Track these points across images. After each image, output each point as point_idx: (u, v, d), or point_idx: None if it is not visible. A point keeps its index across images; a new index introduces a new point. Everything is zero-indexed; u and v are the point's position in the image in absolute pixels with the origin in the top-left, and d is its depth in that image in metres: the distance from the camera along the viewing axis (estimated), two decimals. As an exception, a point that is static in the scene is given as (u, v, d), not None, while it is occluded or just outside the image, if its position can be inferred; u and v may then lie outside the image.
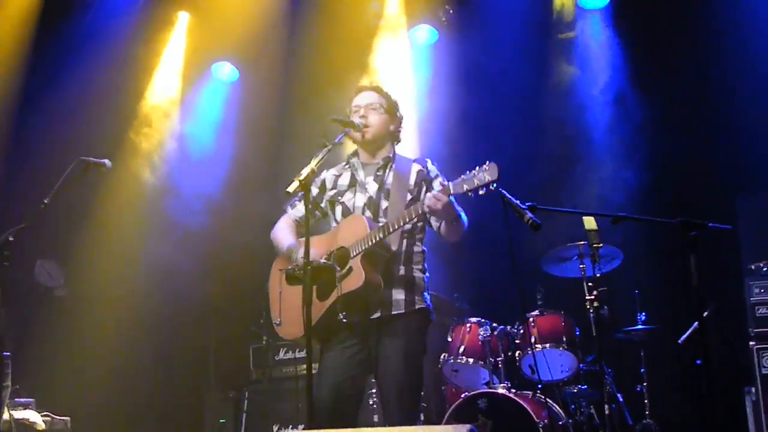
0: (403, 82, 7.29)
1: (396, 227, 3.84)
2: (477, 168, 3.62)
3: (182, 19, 7.83)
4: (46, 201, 4.16)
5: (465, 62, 7.11)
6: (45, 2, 7.19)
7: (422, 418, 5.83)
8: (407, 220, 3.84)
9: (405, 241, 4.05)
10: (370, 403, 6.14)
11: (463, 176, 3.66)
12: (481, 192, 3.59)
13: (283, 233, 4.28)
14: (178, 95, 7.85)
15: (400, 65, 7.40)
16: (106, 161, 4.41)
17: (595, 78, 6.96)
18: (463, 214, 3.96)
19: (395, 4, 7.52)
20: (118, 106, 7.43)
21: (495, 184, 3.55)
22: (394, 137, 4.26)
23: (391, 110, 4.22)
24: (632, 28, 6.94)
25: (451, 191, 3.70)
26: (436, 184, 4.07)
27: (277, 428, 6.75)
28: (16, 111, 7.03)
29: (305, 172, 3.63)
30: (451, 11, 7.44)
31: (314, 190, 4.22)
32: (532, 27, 7.12)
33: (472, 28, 7.26)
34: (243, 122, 7.80)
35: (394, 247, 3.97)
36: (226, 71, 7.93)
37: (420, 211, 3.79)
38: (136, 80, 7.64)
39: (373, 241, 3.85)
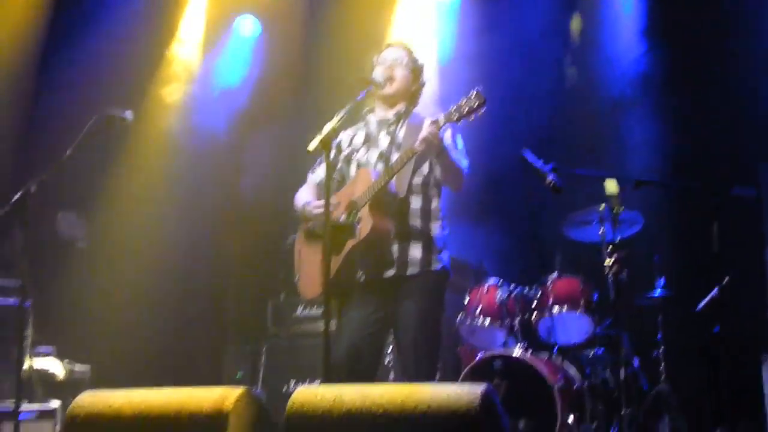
0: (427, 38, 7.21)
1: (397, 169, 3.88)
2: (464, 97, 3.72)
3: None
4: (68, 153, 4.18)
5: (491, 19, 7.02)
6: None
7: (438, 377, 5.86)
8: (405, 159, 3.87)
9: (420, 196, 4.07)
10: (386, 362, 6.18)
11: (451, 107, 3.76)
12: (470, 118, 3.70)
13: (302, 196, 4.32)
14: (201, 49, 7.80)
15: (425, 21, 7.32)
16: (128, 113, 4.42)
17: (621, 41, 6.86)
18: (458, 157, 3.99)
19: (421, -42, 7.43)
20: (140, 59, 7.40)
21: (482, 109, 3.67)
22: (413, 99, 4.27)
23: (416, 72, 4.26)
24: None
25: (442, 122, 3.77)
26: (446, 137, 4.08)
27: (294, 383, 6.81)
28: (38, 64, 7.03)
29: (326, 129, 3.61)
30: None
31: (331, 153, 4.20)
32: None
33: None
34: (265, 77, 7.76)
35: (401, 194, 3.97)
36: (248, 25, 7.88)
37: (415, 149, 3.82)
38: (158, 34, 7.60)
39: (377, 187, 3.89)
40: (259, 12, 7.81)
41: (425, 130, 3.77)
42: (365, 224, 3.88)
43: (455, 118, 3.73)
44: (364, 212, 3.91)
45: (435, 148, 3.84)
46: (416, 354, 3.93)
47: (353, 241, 3.90)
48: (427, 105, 4.44)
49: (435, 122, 3.77)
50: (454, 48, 7.21)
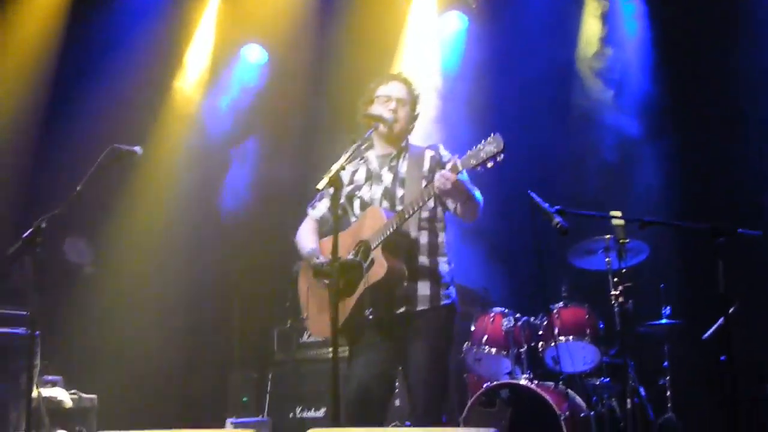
0: (432, 68, 7.25)
1: (411, 212, 3.84)
2: (482, 141, 3.64)
3: (212, 1, 7.86)
4: (78, 188, 4.21)
5: (494, 51, 7.05)
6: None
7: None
8: (421, 203, 3.83)
9: (426, 231, 4.05)
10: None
11: (468, 151, 3.69)
12: (489, 165, 3.62)
13: (305, 237, 4.27)
14: (208, 78, 7.90)
15: (430, 51, 7.36)
16: (137, 148, 4.44)
17: (629, 76, 6.89)
18: (476, 193, 3.96)
19: (426, -11, 7.50)
20: (149, 91, 7.50)
21: (502, 155, 3.57)
22: (410, 131, 4.26)
23: (414, 106, 4.24)
24: (665, 24, 6.84)
25: (460, 168, 3.70)
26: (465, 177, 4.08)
27: (299, 410, 6.83)
28: (49, 101, 7.11)
29: (334, 168, 3.62)
30: (482, -3, 7.39)
31: (331, 190, 4.14)
32: (564, 14, 7.08)
33: (502, 16, 7.20)
34: (271, 105, 7.81)
35: (413, 234, 3.97)
36: (255, 54, 7.95)
37: (432, 192, 3.78)
38: (166, 65, 7.70)
39: (391, 229, 3.84)
40: (266, 40, 7.88)
41: (444, 175, 3.70)
42: (380, 266, 3.84)
43: (473, 164, 3.65)
44: (377, 254, 3.87)
45: (454, 193, 3.81)
46: (426, 392, 3.93)
47: (366, 283, 3.86)
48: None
49: (453, 167, 3.71)
50: (458, 76, 7.24)
